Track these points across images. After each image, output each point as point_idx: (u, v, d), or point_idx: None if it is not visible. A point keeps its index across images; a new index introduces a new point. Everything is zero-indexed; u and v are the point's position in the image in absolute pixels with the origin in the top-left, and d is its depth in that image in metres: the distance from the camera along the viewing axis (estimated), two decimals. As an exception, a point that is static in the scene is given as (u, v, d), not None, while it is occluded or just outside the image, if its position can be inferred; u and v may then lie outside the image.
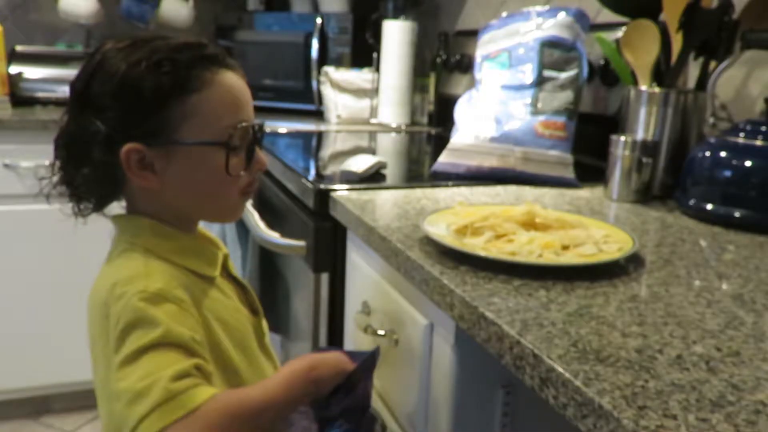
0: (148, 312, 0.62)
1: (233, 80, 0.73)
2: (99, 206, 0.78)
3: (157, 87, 0.68)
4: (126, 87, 0.68)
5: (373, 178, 1.23)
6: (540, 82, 1.27)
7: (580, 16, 1.32)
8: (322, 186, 1.13)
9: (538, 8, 1.35)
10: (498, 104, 1.28)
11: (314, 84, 2.20)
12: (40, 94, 2.19)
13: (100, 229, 0.88)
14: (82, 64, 0.73)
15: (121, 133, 0.69)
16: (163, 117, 0.69)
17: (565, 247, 0.77)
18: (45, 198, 0.75)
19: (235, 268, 0.87)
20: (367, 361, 0.74)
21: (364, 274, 1.01)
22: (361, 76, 2.12)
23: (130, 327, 0.62)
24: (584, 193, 1.20)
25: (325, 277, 1.14)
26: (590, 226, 0.85)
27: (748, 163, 0.97)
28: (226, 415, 0.60)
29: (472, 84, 1.40)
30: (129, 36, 0.73)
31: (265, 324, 0.86)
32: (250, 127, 0.74)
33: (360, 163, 1.21)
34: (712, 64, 1.14)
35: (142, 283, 0.65)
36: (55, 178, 0.76)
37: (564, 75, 1.28)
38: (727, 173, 0.99)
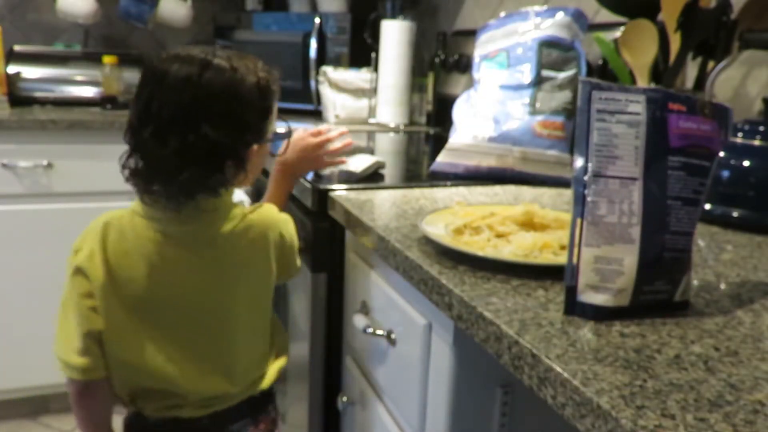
0: None
1: None
2: None
3: None
4: None
5: (372, 178, 1.23)
6: (538, 81, 1.27)
7: (578, 16, 1.32)
8: (320, 186, 1.13)
9: (537, 8, 1.35)
10: (496, 104, 1.28)
11: (312, 84, 2.20)
12: (38, 94, 2.19)
13: (98, 228, 0.88)
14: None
15: None
16: None
17: (564, 247, 0.77)
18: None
19: None
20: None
21: (363, 274, 1.01)
22: (359, 76, 2.12)
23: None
24: (582, 192, 1.20)
25: (323, 277, 1.14)
26: (588, 226, 0.85)
27: (746, 163, 0.98)
28: None
29: (471, 84, 1.40)
30: None
31: None
32: None
33: (358, 163, 1.21)
34: (711, 64, 1.14)
35: None
36: None
37: (562, 75, 1.28)
38: (726, 173, 0.99)
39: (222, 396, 0.93)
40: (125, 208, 0.91)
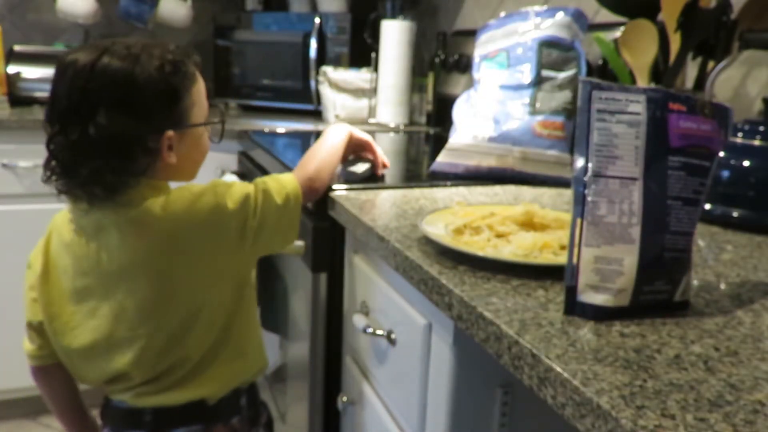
0: None
1: None
2: None
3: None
4: None
5: (372, 178, 1.23)
6: (538, 81, 1.27)
7: (578, 16, 1.32)
8: (320, 186, 1.12)
9: (537, 8, 1.35)
10: (496, 104, 1.28)
11: (312, 84, 2.20)
12: (38, 94, 2.19)
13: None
14: None
15: None
16: None
17: (563, 247, 0.77)
18: None
19: None
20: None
21: (363, 274, 1.01)
22: (359, 76, 2.12)
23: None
24: (582, 192, 1.20)
25: (323, 277, 1.14)
26: (588, 226, 0.85)
27: (746, 163, 0.98)
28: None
29: (471, 84, 1.40)
30: None
31: None
32: None
33: (361, 164, 1.21)
34: (711, 64, 1.14)
35: None
36: None
37: (562, 75, 1.28)
38: (726, 173, 0.99)
39: (149, 382, 0.91)
40: None
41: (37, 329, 0.96)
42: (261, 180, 0.96)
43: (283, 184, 0.96)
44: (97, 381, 0.95)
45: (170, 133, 0.87)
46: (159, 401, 0.93)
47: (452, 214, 0.89)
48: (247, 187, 0.93)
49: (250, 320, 1.00)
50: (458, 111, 1.34)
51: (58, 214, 0.94)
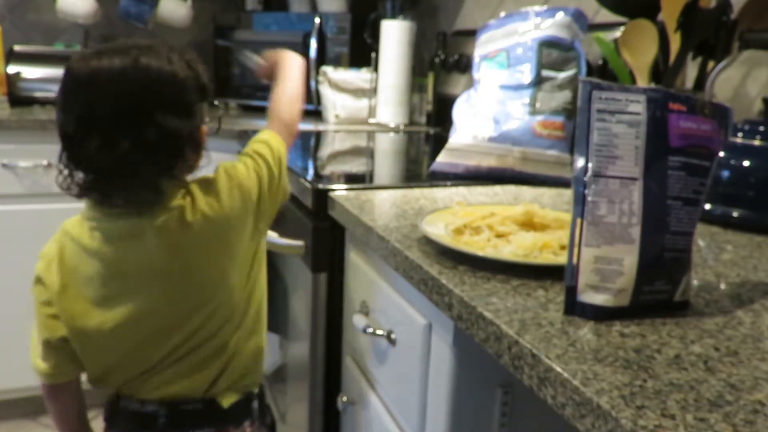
0: None
1: None
2: None
3: None
4: None
5: (371, 178, 1.23)
6: (538, 81, 1.27)
7: (578, 16, 1.32)
8: (320, 186, 1.13)
9: (537, 8, 1.35)
10: (496, 104, 1.28)
11: (312, 84, 2.20)
12: (38, 94, 2.19)
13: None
14: None
15: None
16: None
17: (564, 247, 0.77)
18: None
19: None
20: None
21: (363, 274, 1.01)
22: (359, 76, 2.12)
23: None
24: (582, 192, 1.20)
25: (323, 277, 1.14)
26: (588, 226, 0.85)
27: (746, 163, 0.98)
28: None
29: (471, 84, 1.40)
30: None
31: None
32: None
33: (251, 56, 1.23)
34: (711, 63, 1.14)
35: None
36: None
37: (562, 75, 1.28)
38: (726, 173, 0.99)
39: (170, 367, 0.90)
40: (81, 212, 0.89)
41: (56, 347, 0.90)
42: (254, 151, 0.95)
43: (271, 147, 0.96)
44: (123, 381, 0.92)
45: (204, 127, 0.89)
46: (171, 392, 0.91)
47: (452, 214, 0.89)
48: (248, 163, 0.93)
49: (263, 300, 0.99)
50: (458, 111, 1.34)
51: (69, 222, 0.90)
